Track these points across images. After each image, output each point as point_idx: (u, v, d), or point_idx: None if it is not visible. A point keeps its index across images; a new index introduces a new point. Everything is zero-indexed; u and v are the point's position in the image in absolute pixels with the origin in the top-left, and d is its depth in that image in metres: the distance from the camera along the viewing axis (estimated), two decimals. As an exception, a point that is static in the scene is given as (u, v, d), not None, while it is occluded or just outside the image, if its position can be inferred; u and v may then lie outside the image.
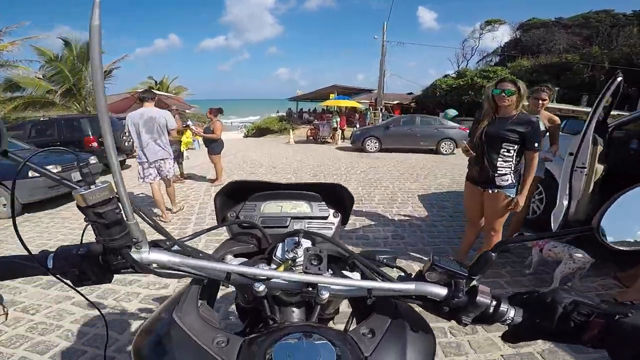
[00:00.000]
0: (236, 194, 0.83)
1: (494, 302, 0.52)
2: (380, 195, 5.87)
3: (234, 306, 0.88)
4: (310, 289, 0.54)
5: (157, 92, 13.33)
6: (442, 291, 0.54)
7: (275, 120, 25.32)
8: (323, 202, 0.85)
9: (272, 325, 0.58)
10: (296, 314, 0.64)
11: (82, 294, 0.57)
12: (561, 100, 19.68)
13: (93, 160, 6.40)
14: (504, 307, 0.52)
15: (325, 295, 0.54)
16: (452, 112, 18.59)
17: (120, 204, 0.46)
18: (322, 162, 9.75)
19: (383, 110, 20.14)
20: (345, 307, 0.84)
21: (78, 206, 0.44)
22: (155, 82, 26.91)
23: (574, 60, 21.66)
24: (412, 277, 0.59)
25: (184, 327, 0.52)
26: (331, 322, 0.80)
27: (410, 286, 0.55)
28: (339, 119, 14.54)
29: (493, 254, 0.52)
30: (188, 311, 0.56)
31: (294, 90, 30.82)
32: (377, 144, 11.92)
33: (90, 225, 0.46)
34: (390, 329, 0.55)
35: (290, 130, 17.88)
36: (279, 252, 0.66)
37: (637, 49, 19.39)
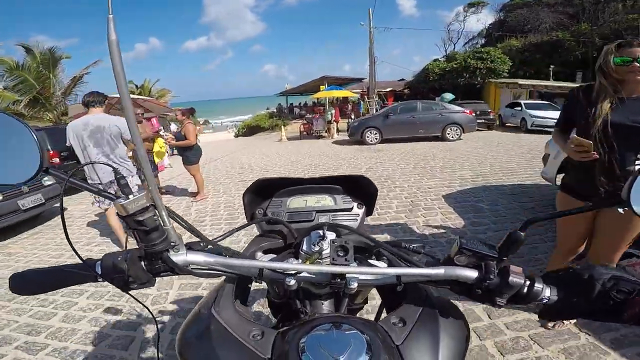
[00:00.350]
0: (263, 191, 0.85)
1: (528, 282, 0.51)
2: (398, 199, 4.87)
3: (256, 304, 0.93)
4: (339, 280, 0.55)
5: (133, 95, 12.21)
6: (473, 274, 0.53)
7: (265, 117, 24.23)
8: (346, 195, 0.85)
9: (303, 317, 0.59)
10: (325, 305, 0.64)
11: (133, 297, 0.60)
12: (556, 79, 19.16)
13: (48, 181, 5.28)
14: (538, 286, 0.51)
15: (354, 285, 0.54)
16: (449, 96, 17.65)
17: (157, 211, 0.49)
18: (321, 161, 8.72)
19: (376, 99, 19.11)
20: (375, 300, 0.91)
21: (119, 215, 0.48)
22: (136, 86, 25.57)
23: (564, 37, 21.42)
24: (441, 262, 0.57)
25: (222, 322, 0.54)
26: (360, 313, 0.82)
27: (439, 271, 0.54)
28: (333, 111, 13.50)
29: (522, 233, 0.51)
30: (225, 307, 0.57)
31: (283, 86, 29.59)
32: (377, 135, 10.94)
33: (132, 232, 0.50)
34: (421, 318, 0.54)
35: (282, 126, 16.82)
36: (305, 246, 0.65)
37: (624, 24, 19.29)
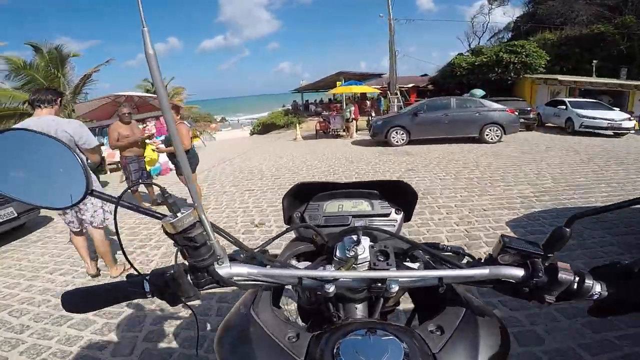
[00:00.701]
0: (301, 195, 0.85)
1: (577, 278, 0.49)
2: (447, 227, 3.71)
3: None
4: (379, 284, 0.54)
5: (145, 94, 11.37)
6: (519, 272, 0.52)
7: (280, 115, 23.35)
8: (384, 200, 0.84)
9: (336, 322, 0.58)
10: (359, 309, 0.63)
11: (189, 307, 0.60)
12: (599, 75, 17.41)
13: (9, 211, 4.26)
14: (588, 282, 0.49)
15: (395, 288, 0.54)
16: (479, 92, 16.09)
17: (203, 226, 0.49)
18: (341, 166, 7.60)
19: (398, 95, 17.78)
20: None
21: (167, 233, 0.48)
22: (152, 84, 25.03)
23: (607, 30, 19.49)
24: (483, 261, 0.57)
25: (260, 322, 0.55)
26: (390, 316, 0.80)
27: (483, 271, 0.53)
28: (352, 108, 12.27)
29: (567, 229, 0.49)
30: (263, 308, 0.59)
31: (299, 83, 28.56)
32: (404, 135, 9.72)
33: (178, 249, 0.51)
34: (460, 326, 0.53)
35: (297, 124, 15.79)
36: (338, 252, 0.63)
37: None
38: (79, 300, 0.55)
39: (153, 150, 4.37)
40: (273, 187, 5.90)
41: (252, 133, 23.91)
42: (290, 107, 27.41)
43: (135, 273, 0.55)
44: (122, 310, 2.41)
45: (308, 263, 0.72)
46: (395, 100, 17.37)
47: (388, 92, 16.67)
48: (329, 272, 0.55)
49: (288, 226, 0.82)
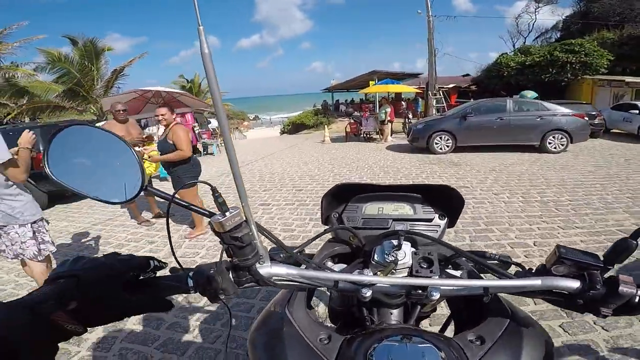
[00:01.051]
0: (340, 195, 0.84)
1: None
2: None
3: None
4: (420, 291, 0.53)
5: (164, 88, 11.01)
6: (574, 284, 0.49)
7: (310, 115, 22.60)
8: (427, 204, 0.81)
9: (369, 326, 0.58)
10: (394, 315, 0.61)
11: (224, 303, 0.58)
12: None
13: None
14: None
15: (436, 296, 0.52)
16: (532, 93, 14.35)
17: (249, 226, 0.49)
18: (374, 177, 6.58)
19: (437, 96, 16.36)
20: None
21: (214, 231, 0.48)
22: (187, 80, 25.09)
23: None
24: (534, 272, 0.54)
25: (294, 322, 0.56)
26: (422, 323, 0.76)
27: (535, 282, 0.51)
28: (389, 109, 11.08)
29: (633, 242, 0.47)
30: (298, 307, 0.60)
31: (329, 83, 27.57)
32: (450, 141, 8.50)
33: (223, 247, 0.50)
34: (503, 337, 0.51)
35: (325, 126, 14.85)
36: (377, 256, 0.63)
37: None
38: None
39: (145, 158, 3.54)
40: (292, 203, 4.99)
41: (282, 132, 23.53)
42: (320, 107, 26.56)
43: (179, 268, 0.56)
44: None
45: (343, 265, 0.73)
46: (434, 101, 16.03)
47: (429, 92, 15.28)
48: (368, 277, 0.55)
49: (326, 226, 0.83)
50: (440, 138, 8.48)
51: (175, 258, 0.58)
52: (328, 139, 12.78)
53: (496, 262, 0.64)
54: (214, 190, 0.51)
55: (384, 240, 0.64)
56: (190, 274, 0.53)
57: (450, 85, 19.24)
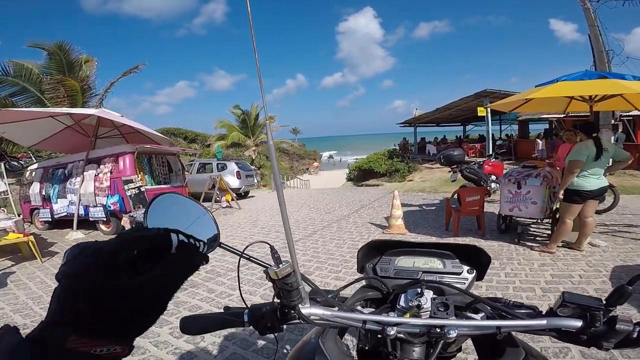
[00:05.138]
0: (376, 249, 0.92)
1: (638, 328, 0.54)
2: None
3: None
4: (438, 330, 0.60)
5: (118, 117, 6.48)
6: (577, 323, 0.56)
7: (381, 157, 16.42)
8: (457, 260, 0.86)
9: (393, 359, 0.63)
10: (416, 352, 0.66)
11: (274, 336, 0.71)
12: None
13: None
14: None
15: (453, 334, 0.58)
16: None
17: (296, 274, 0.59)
18: None
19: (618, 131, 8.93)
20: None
21: (269, 278, 0.57)
22: (242, 111, 21.74)
23: None
24: (543, 314, 0.62)
25: (326, 352, 0.66)
26: None
27: (541, 322, 0.59)
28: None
29: (629, 287, 0.54)
30: (330, 339, 0.70)
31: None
32: None
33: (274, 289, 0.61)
34: None
35: (406, 176, 8.56)
36: (402, 302, 0.69)
37: None
38: (194, 324, 0.67)
39: None
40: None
41: (348, 178, 19.12)
42: (397, 147, 20.21)
43: (234, 306, 0.69)
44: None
45: (373, 309, 0.80)
46: (612, 136, 8.64)
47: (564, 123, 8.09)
48: (391, 317, 0.64)
49: (360, 274, 0.92)
50: None
51: (243, 298, 0.71)
52: (399, 213, 5.28)
53: (511, 306, 0.68)
54: (272, 248, 0.61)
55: (409, 288, 0.72)
56: (246, 311, 0.66)
57: (635, 113, 11.18)
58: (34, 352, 0.28)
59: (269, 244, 0.63)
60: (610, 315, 0.55)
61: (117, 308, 0.32)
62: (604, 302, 0.55)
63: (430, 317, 0.63)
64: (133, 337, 0.34)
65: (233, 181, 10.79)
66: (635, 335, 0.53)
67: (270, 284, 0.66)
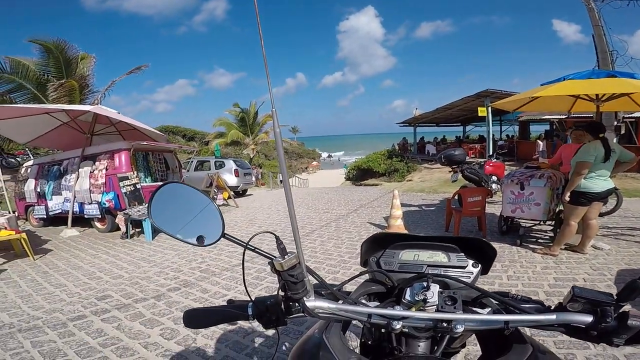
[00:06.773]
0: (379, 243, 0.90)
1: None
2: None
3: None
4: (445, 324, 0.58)
5: (115, 114, 6.35)
6: (587, 318, 0.55)
7: (380, 157, 16.37)
8: (462, 253, 0.84)
9: (398, 354, 0.62)
10: (421, 347, 0.65)
11: (276, 329, 0.68)
12: None
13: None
14: None
15: (460, 329, 0.57)
16: None
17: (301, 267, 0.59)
18: None
19: (620, 132, 8.85)
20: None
21: (274, 269, 0.57)
22: (241, 109, 21.58)
23: None
24: (552, 309, 0.60)
25: (330, 347, 0.63)
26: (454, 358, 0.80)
27: (550, 317, 0.57)
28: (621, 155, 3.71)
29: None
30: (334, 334, 0.67)
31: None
32: None
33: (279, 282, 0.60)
34: None
35: (404, 176, 8.47)
36: (407, 296, 0.68)
37: None
38: (196, 318, 0.68)
39: None
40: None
41: (347, 177, 19.38)
42: (396, 147, 20.15)
43: (238, 299, 0.68)
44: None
45: (377, 303, 0.77)
46: (614, 138, 8.55)
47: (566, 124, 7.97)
48: (397, 311, 0.61)
49: (364, 268, 0.89)
50: None
51: (247, 291, 0.70)
52: (398, 213, 5.12)
53: (518, 300, 0.66)
54: (277, 238, 0.61)
55: (414, 282, 0.70)
56: (250, 304, 0.65)
57: (638, 114, 11.08)
58: None
59: (274, 234, 0.63)
60: (621, 310, 0.53)
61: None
62: (615, 297, 0.54)
63: (437, 311, 0.62)
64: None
65: (231, 179, 10.71)
66: None
67: (267, 283, 0.68)
